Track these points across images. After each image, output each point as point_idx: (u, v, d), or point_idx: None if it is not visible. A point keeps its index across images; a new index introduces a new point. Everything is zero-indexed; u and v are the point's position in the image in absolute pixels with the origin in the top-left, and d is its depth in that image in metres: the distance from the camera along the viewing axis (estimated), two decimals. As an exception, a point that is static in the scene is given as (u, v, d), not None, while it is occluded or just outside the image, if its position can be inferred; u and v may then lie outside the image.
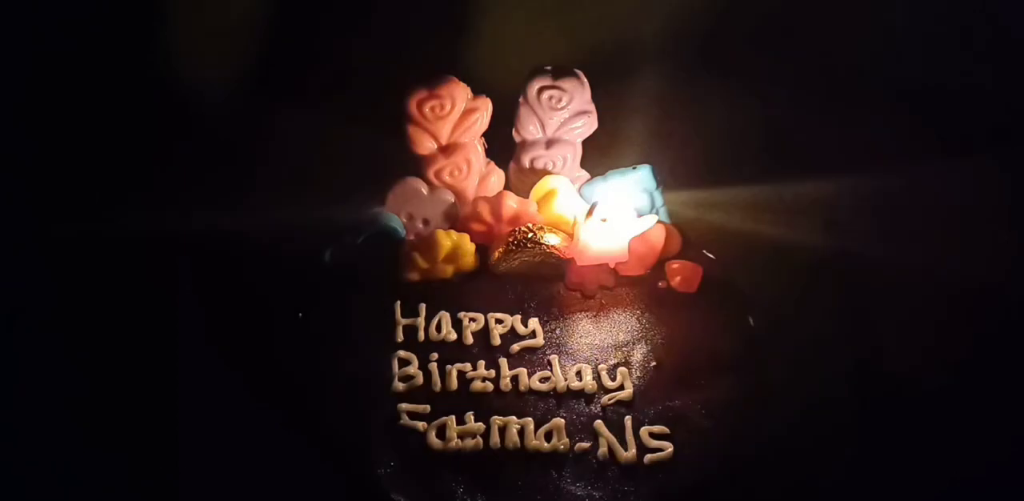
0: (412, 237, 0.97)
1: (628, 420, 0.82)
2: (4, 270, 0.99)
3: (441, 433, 0.81)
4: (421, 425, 0.81)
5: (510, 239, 0.93)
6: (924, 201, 1.04)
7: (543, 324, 0.90)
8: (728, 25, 1.10)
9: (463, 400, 0.84)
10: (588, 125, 0.97)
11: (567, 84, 0.94)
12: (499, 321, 0.90)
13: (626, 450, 0.80)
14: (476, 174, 0.98)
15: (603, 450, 0.80)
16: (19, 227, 1.02)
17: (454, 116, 0.94)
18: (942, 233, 1.00)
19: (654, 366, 0.87)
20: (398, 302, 0.91)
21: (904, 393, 0.87)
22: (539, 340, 0.89)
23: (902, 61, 1.10)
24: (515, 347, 0.88)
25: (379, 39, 1.14)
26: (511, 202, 0.95)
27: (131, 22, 1.12)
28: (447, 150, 0.96)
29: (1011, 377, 0.88)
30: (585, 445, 0.81)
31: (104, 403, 0.87)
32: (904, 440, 0.84)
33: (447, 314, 0.91)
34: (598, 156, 1.01)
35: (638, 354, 0.88)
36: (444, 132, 0.95)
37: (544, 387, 0.85)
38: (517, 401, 0.84)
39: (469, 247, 0.94)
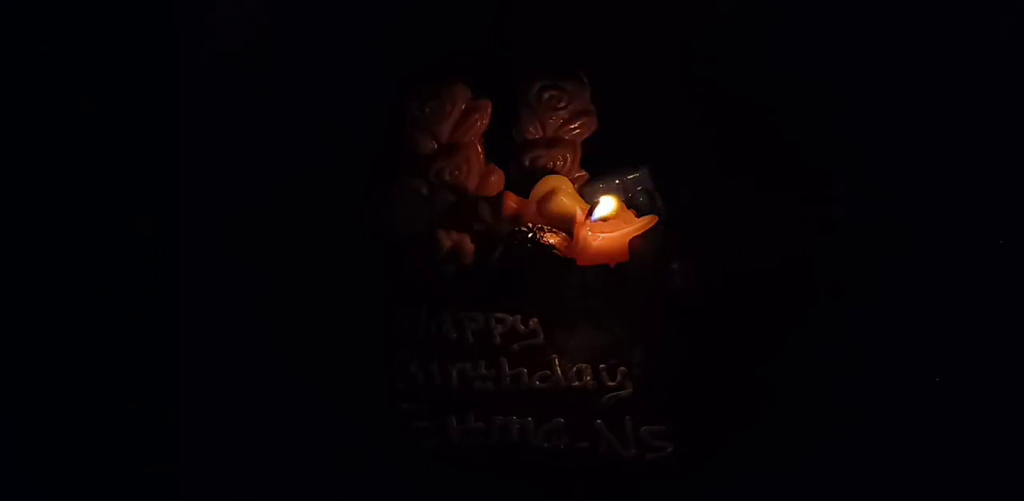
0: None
1: (628, 419, 0.83)
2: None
3: (442, 432, 0.81)
4: (422, 424, 0.82)
5: (510, 239, 0.94)
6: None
7: (543, 324, 0.91)
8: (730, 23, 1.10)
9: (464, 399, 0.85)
10: (588, 125, 0.98)
11: (567, 84, 0.95)
12: (499, 321, 0.91)
13: (626, 450, 0.80)
14: (476, 174, 0.99)
15: (603, 449, 0.81)
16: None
17: (454, 116, 0.95)
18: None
19: (654, 365, 0.87)
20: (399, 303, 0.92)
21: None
22: (540, 339, 0.89)
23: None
24: (516, 347, 0.88)
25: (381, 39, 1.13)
26: (511, 202, 0.96)
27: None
28: (447, 149, 0.97)
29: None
30: (584, 444, 0.81)
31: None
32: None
33: (448, 314, 0.91)
34: (598, 156, 1.01)
35: (639, 354, 0.88)
36: (444, 132, 0.96)
37: (545, 386, 0.85)
38: (518, 400, 0.85)
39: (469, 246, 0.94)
